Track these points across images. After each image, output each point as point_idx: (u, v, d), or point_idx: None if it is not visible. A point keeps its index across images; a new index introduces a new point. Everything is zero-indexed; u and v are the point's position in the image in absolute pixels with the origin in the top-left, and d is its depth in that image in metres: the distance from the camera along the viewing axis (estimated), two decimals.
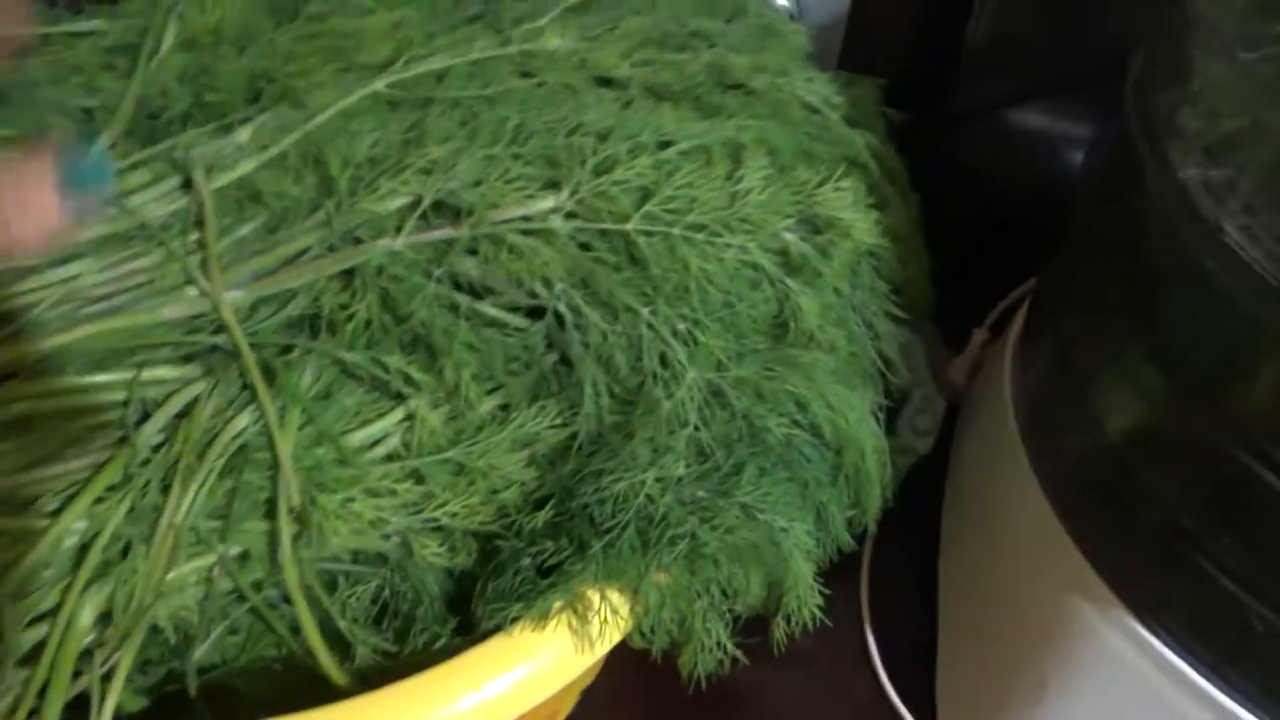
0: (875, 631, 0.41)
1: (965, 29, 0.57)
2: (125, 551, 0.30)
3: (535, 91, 0.40)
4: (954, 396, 0.60)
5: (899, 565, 0.39)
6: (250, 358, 0.34)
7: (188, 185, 0.37)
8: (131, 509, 0.30)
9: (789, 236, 0.38)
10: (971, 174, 0.61)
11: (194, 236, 0.35)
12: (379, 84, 0.39)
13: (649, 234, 0.35)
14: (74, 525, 0.30)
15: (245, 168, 0.37)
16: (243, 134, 0.38)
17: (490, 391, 0.37)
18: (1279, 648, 0.34)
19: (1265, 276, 0.30)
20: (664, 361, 0.34)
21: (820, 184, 0.41)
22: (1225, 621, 0.35)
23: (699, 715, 0.37)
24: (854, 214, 0.42)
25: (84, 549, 0.31)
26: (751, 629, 0.38)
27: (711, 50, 0.44)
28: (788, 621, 0.40)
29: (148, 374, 0.34)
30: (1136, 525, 0.38)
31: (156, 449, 0.33)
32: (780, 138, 0.42)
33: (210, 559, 0.32)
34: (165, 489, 0.31)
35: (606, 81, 0.43)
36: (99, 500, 0.31)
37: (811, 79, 0.46)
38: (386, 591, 0.37)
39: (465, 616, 0.37)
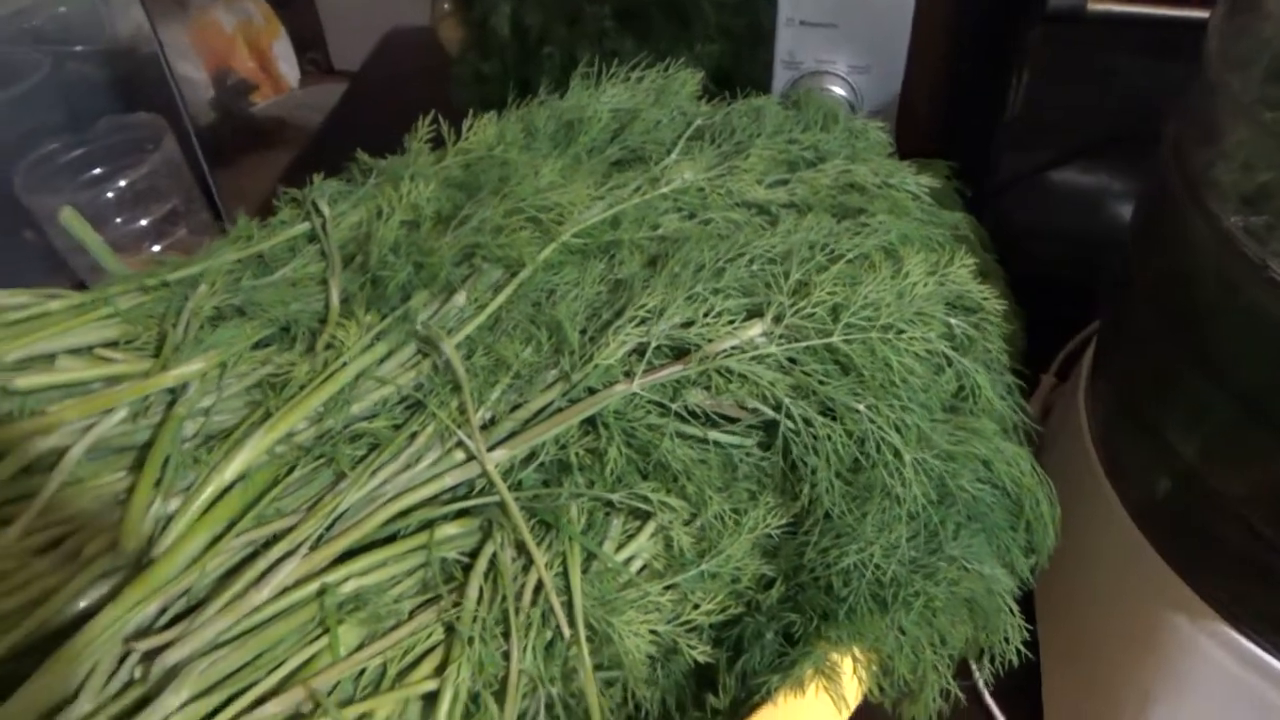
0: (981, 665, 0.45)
1: (1005, 105, 0.64)
2: (475, 700, 0.34)
3: (704, 229, 0.45)
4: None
5: None
6: (519, 518, 0.37)
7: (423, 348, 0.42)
8: (479, 663, 0.33)
9: (954, 321, 0.43)
10: (1022, 232, 0.67)
11: (454, 403, 0.39)
12: (566, 235, 0.44)
13: (849, 341, 0.40)
14: (425, 686, 0.34)
15: (469, 329, 0.42)
16: (459, 297, 0.43)
17: (720, 490, 0.41)
18: None
19: None
20: (883, 447, 0.39)
21: (948, 263, 0.47)
22: None
23: None
24: (978, 286, 0.47)
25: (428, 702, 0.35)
26: None
27: (832, 164, 0.50)
28: (992, 660, 0.45)
29: (439, 533, 0.38)
30: (1218, 537, 0.41)
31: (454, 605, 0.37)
32: (910, 229, 0.48)
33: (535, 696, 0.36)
34: (505, 635, 0.34)
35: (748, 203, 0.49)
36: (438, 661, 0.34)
37: (910, 172, 0.52)
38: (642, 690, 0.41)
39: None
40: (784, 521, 0.41)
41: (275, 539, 0.35)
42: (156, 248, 0.78)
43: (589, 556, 0.38)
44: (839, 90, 0.65)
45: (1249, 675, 0.43)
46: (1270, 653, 0.42)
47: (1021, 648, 0.44)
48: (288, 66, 1.32)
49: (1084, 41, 0.61)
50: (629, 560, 0.40)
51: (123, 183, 0.78)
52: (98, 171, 0.80)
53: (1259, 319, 0.38)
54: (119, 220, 0.79)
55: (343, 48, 1.39)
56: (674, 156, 0.50)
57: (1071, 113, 0.67)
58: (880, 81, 0.65)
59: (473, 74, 0.78)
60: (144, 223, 0.78)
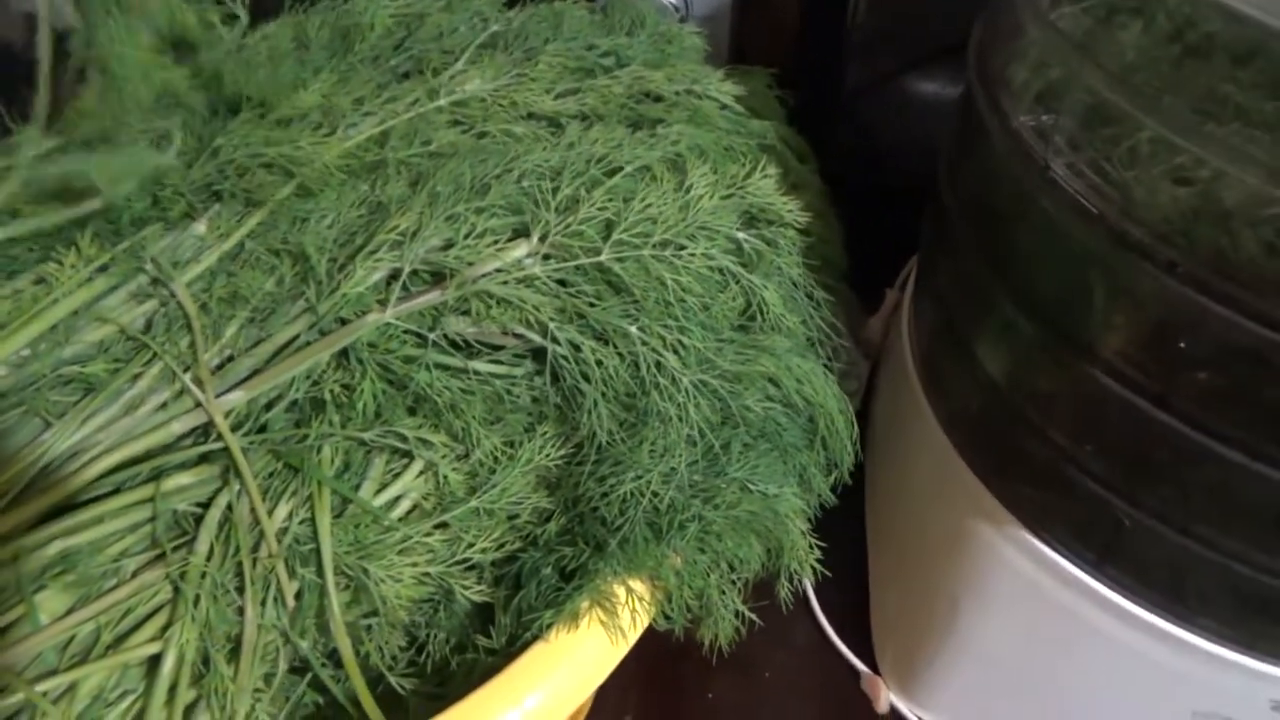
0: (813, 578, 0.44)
1: (847, 6, 0.61)
2: (205, 662, 0.31)
3: (477, 142, 0.42)
4: (874, 355, 0.64)
5: (832, 515, 0.43)
6: (244, 465, 0.34)
7: (155, 281, 0.38)
8: (207, 622, 0.31)
9: (741, 235, 0.41)
10: (871, 143, 0.65)
11: (185, 342, 0.35)
12: (325, 157, 0.40)
13: (621, 260, 0.37)
14: (145, 650, 0.31)
15: (210, 260, 0.38)
16: (199, 226, 0.39)
17: (491, 424, 0.39)
18: (1146, 541, 0.37)
19: (1088, 207, 0.33)
20: (659, 369, 0.37)
21: (748, 175, 0.45)
22: (1100, 523, 0.39)
23: (643, 665, 0.39)
24: (781, 199, 0.45)
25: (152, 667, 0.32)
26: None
27: (627, 70, 0.46)
28: (790, 580, 0.44)
29: (169, 483, 0.34)
30: (1018, 446, 0.42)
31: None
32: (706, 139, 0.45)
33: (284, 652, 0.33)
34: (239, 590, 0.32)
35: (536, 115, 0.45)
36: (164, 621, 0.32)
37: (716, 79, 0.49)
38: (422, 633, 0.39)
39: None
40: (564, 452, 0.39)
41: None
42: None
43: (345, 500, 0.36)
44: None
45: (1046, 579, 0.43)
46: (1066, 558, 0.42)
47: (816, 565, 0.43)
48: None
49: None
50: (395, 501, 0.37)
51: None
52: None
53: (1045, 224, 0.37)
54: None
55: None
56: (460, 65, 0.46)
57: (918, 18, 0.65)
58: None
59: None
60: None
